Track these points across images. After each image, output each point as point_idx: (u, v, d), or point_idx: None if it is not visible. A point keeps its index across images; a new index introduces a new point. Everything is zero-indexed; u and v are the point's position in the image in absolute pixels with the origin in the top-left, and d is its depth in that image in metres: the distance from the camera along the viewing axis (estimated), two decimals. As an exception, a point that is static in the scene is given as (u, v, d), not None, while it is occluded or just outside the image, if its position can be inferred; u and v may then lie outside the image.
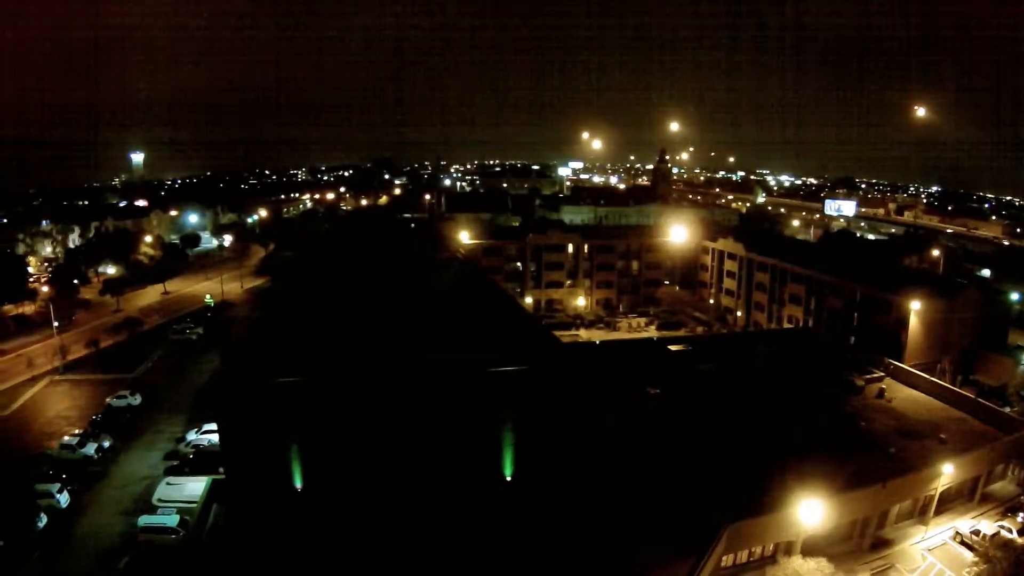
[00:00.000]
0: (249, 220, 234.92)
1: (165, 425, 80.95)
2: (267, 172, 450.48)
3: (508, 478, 54.13)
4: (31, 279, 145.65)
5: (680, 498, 52.21)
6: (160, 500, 62.22)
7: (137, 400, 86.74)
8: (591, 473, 55.12)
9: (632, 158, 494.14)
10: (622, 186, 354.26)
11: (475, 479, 53.03)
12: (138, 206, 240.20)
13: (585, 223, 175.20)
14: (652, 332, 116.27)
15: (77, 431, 76.94)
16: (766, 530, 50.56)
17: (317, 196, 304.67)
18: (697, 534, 47.05)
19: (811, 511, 48.54)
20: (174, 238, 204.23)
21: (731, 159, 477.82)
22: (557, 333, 77.37)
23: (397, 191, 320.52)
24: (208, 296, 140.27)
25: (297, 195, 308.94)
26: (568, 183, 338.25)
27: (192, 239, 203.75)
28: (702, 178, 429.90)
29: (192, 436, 74.99)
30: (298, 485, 52.91)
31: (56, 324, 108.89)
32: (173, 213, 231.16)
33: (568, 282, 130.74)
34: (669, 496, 52.48)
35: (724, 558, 49.28)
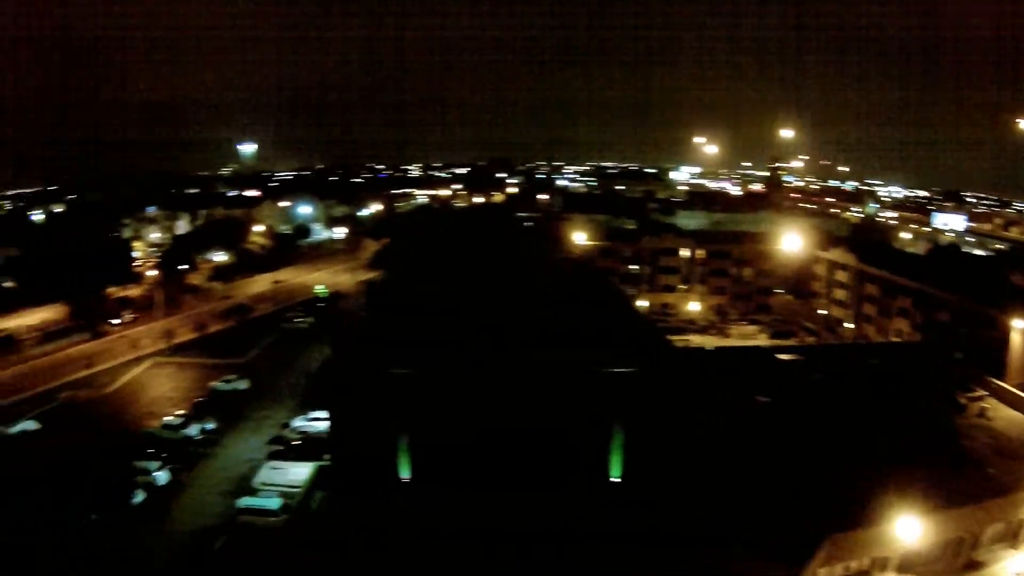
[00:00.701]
0: (362, 213, 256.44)
1: (271, 411, 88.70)
2: (380, 167, 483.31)
3: (613, 479, 59.36)
4: (137, 263, 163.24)
5: (782, 507, 56.50)
6: (262, 483, 67.54)
7: (244, 385, 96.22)
8: (695, 478, 59.06)
9: (746, 164, 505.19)
10: (736, 192, 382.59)
11: (580, 479, 58.02)
12: (249, 196, 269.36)
13: (699, 228, 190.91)
14: (763, 340, 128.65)
15: (180, 412, 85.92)
16: (865, 544, 54.47)
17: (431, 192, 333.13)
18: (797, 544, 51.44)
19: (910, 527, 52.01)
20: (286, 228, 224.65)
21: (842, 168, 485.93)
22: (669, 337, 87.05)
23: (512, 190, 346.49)
24: (320, 286, 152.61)
25: (411, 190, 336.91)
26: (683, 187, 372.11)
27: (304, 230, 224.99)
28: (814, 186, 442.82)
29: (299, 422, 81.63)
30: (404, 476, 59.27)
31: (162, 308, 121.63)
32: (285, 204, 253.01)
33: (681, 286, 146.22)
34: (771, 505, 56.81)
35: (821, 570, 52.78)
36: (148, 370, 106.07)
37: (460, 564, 49.60)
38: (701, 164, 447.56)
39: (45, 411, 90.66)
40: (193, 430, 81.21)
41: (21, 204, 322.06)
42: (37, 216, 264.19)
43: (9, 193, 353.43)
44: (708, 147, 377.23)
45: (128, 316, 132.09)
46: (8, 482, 71.02)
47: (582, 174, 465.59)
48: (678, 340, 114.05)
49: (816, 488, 59.21)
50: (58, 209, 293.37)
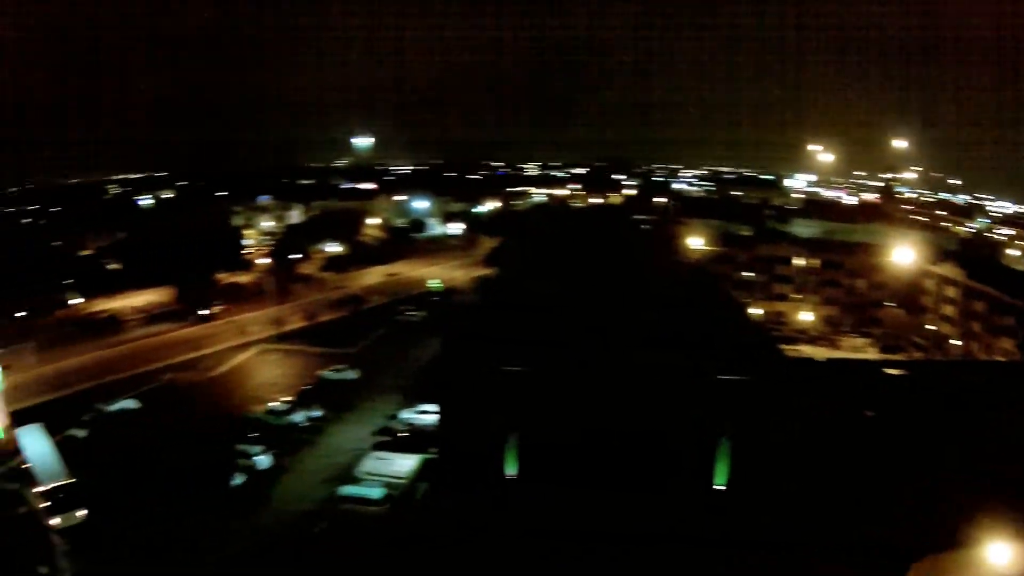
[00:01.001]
0: (478, 210, 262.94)
1: (379, 402, 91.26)
2: (498, 165, 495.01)
3: (718, 487, 60.79)
4: (248, 251, 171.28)
5: (880, 522, 58.23)
6: (366, 473, 70.25)
7: (353, 375, 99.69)
8: (798, 488, 60.54)
9: (860, 173, 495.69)
10: (850, 201, 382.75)
11: (685, 484, 60.22)
12: (365, 189, 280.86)
13: (813, 237, 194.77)
14: (872, 353, 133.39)
15: (286, 398, 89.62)
16: (957, 567, 55.54)
17: (548, 191, 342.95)
18: (892, 561, 53.65)
19: (1003, 553, 53.69)
20: (401, 222, 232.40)
21: (954, 181, 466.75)
22: (780, 346, 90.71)
23: (629, 192, 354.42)
24: (434, 281, 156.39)
25: (528, 189, 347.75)
26: (798, 195, 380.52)
27: (419, 224, 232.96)
28: (926, 199, 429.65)
29: (406, 414, 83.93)
30: (509, 473, 61.43)
31: (273, 295, 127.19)
32: (401, 198, 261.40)
33: (794, 296, 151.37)
34: (870, 519, 58.48)
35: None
36: (255, 356, 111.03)
37: (558, 563, 51.22)
38: (816, 172, 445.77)
39: (146, 391, 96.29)
40: (298, 417, 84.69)
41: (128, 189, 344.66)
42: (145, 201, 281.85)
43: (116, 177, 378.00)
44: (823, 154, 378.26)
45: (235, 303, 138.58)
46: (104, 458, 76.74)
47: (699, 178, 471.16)
48: (789, 349, 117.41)
49: (914, 505, 59.92)
50: (167, 195, 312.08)
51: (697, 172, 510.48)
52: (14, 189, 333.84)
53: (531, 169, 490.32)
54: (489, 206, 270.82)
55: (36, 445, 78.26)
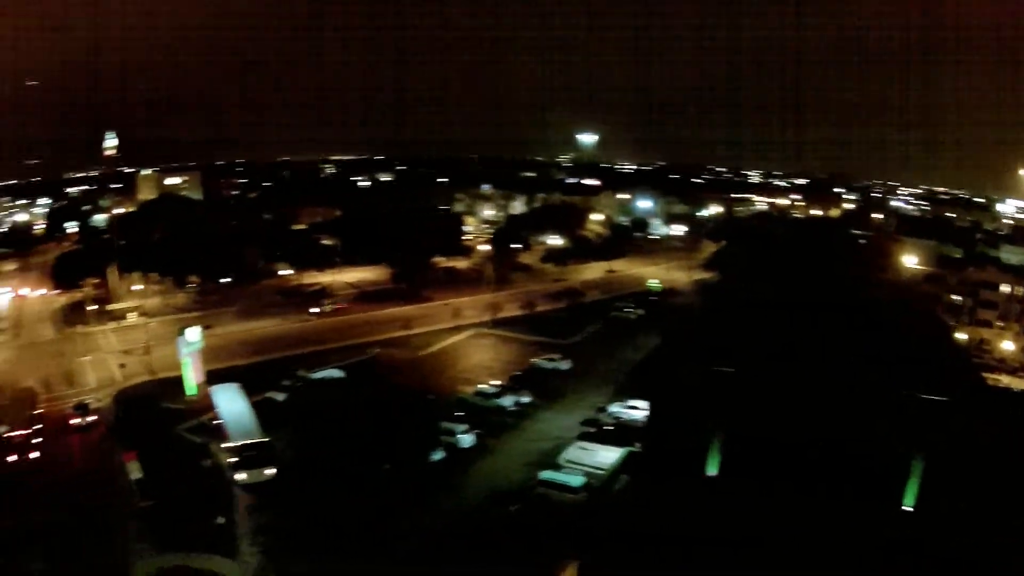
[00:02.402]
0: (700, 214, 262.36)
1: (589, 394, 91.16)
2: (721, 169, 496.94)
3: (906, 507, 61.14)
4: (467, 237, 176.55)
5: None
6: (568, 461, 70.37)
7: (566, 366, 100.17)
8: (986, 518, 58.92)
9: None
10: None
11: (874, 500, 60.30)
12: (589, 184, 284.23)
13: (1021, 264, 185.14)
14: None
15: (496, 382, 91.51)
16: None
17: (769, 200, 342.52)
18: None
19: None
20: (623, 220, 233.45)
21: None
22: (981, 373, 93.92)
23: (848, 205, 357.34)
24: (653, 280, 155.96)
25: (750, 196, 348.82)
26: (1008, 220, 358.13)
27: (641, 223, 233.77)
28: None
29: (615, 408, 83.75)
30: (710, 472, 63.49)
31: (491, 282, 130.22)
32: (624, 196, 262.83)
33: (998, 323, 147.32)
34: None
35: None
36: (468, 339, 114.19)
37: (745, 565, 51.60)
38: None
39: (353, 363, 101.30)
40: (507, 401, 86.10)
41: (342, 169, 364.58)
42: (362, 182, 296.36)
43: (332, 158, 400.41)
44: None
45: (451, 287, 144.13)
46: (301, 422, 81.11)
47: (915, 197, 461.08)
48: (989, 377, 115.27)
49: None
50: (385, 178, 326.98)
51: (914, 191, 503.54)
52: (220, 163, 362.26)
53: (754, 176, 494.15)
54: (712, 210, 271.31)
55: (231, 403, 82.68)
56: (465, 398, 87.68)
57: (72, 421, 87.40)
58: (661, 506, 59.26)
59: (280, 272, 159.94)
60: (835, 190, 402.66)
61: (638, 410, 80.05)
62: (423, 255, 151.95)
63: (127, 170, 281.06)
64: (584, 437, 77.34)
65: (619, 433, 77.39)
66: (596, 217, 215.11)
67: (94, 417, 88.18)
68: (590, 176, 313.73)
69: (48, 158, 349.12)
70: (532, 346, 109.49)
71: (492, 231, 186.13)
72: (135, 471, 72.42)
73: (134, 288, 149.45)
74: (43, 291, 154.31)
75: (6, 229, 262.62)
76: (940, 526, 57.31)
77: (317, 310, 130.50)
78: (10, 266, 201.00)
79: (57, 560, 60.51)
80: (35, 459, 78.17)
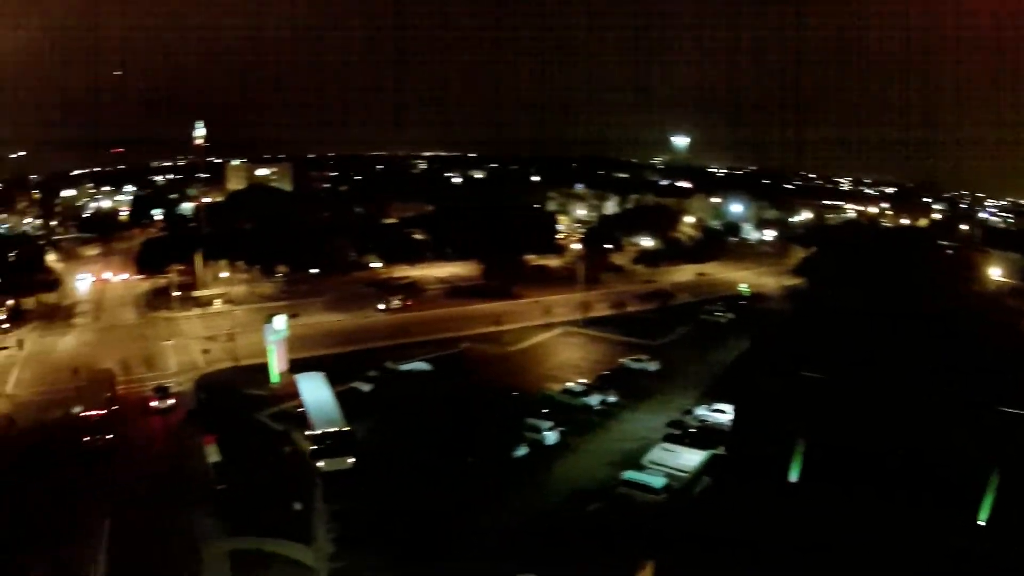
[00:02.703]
0: (792, 219, 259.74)
1: (675, 395, 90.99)
2: (812, 176, 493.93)
3: (981, 522, 60.05)
4: (559, 236, 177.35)
5: None
6: (651, 462, 70.63)
7: (654, 367, 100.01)
8: None
9: None
10: None
11: (947, 512, 59.88)
12: (681, 187, 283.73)
13: None
14: None
15: (583, 380, 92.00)
16: None
17: (859, 207, 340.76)
18: None
19: None
20: (715, 223, 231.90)
21: None
22: None
23: (936, 216, 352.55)
24: (743, 285, 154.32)
25: (840, 203, 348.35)
26: None
27: (733, 227, 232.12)
28: None
29: (700, 411, 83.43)
30: (792, 478, 63.70)
31: (582, 281, 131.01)
32: (716, 200, 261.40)
33: None
34: None
35: None
36: (558, 337, 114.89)
37: (819, 570, 51.62)
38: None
39: (441, 356, 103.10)
40: (593, 400, 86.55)
41: (434, 165, 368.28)
42: (455, 179, 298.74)
43: (425, 154, 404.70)
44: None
45: (542, 284, 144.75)
46: (386, 413, 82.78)
47: (1001, 209, 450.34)
48: None
49: None
50: (478, 175, 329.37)
51: (1000, 203, 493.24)
52: (311, 156, 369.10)
53: (844, 184, 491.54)
54: (803, 216, 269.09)
55: (315, 391, 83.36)
56: (552, 395, 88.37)
57: (151, 404, 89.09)
58: (741, 510, 59.17)
59: (370, 265, 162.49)
60: (923, 199, 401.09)
61: (724, 414, 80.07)
62: (515, 252, 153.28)
63: (215, 160, 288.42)
64: (669, 439, 77.27)
65: (704, 436, 77.10)
66: (688, 219, 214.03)
67: (173, 400, 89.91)
68: (682, 178, 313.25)
69: (134, 147, 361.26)
70: (621, 346, 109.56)
71: (584, 230, 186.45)
72: (213, 454, 74.00)
73: (220, 276, 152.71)
74: (126, 276, 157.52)
75: (90, 214, 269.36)
76: (1013, 542, 56.20)
77: (383, 306, 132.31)
78: (93, 251, 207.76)
79: (130, 538, 61.51)
80: (110, 439, 79.29)
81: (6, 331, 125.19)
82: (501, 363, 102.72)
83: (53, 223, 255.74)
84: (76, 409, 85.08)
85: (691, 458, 71.13)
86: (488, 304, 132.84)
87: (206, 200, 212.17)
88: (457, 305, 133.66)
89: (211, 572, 57.53)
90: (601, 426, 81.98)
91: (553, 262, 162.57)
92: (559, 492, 66.96)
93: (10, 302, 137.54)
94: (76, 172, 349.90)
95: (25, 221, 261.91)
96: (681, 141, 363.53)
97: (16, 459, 77.52)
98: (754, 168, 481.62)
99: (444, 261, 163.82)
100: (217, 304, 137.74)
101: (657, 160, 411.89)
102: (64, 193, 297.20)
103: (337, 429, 74.42)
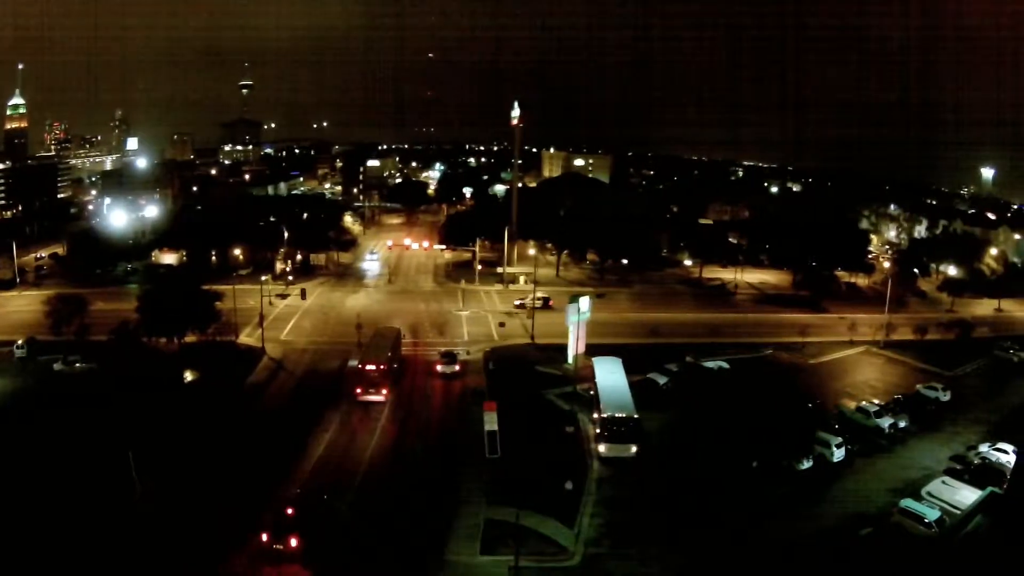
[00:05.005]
0: None
1: (963, 429, 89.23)
2: None
3: None
4: (869, 255, 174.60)
5: None
6: (928, 494, 69.36)
7: (946, 397, 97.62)
8: None
9: None
10: None
11: None
12: (988, 218, 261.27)
13: None
14: None
15: (877, 401, 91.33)
16: None
17: None
18: None
19: None
20: (1016, 259, 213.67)
21: None
22: None
23: None
24: None
25: None
26: None
27: None
28: None
29: (984, 448, 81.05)
30: None
31: (889, 303, 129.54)
32: (1020, 236, 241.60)
33: None
34: None
35: None
36: (859, 355, 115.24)
37: None
38: None
39: (743, 358, 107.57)
40: (885, 422, 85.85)
41: (752, 174, 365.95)
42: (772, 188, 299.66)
43: (745, 163, 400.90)
44: None
45: (849, 301, 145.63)
46: (679, 406, 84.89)
47: None
48: None
49: None
50: (794, 188, 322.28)
51: None
52: (630, 153, 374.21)
53: None
54: None
55: (610, 376, 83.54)
56: (845, 412, 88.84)
57: (436, 367, 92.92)
58: (1013, 553, 56.05)
59: (683, 262, 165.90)
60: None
61: (1006, 454, 76.95)
62: (828, 266, 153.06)
63: (532, 150, 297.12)
64: (949, 472, 76.06)
65: (983, 473, 74.96)
66: (993, 252, 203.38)
67: (457, 367, 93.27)
68: (988, 210, 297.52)
69: (451, 126, 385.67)
70: (916, 372, 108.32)
71: (894, 252, 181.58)
72: (491, 423, 73.24)
73: (528, 255, 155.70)
74: (428, 245, 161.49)
75: (395, 184, 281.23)
76: None
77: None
78: (396, 220, 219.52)
79: (392, 492, 63.62)
80: (385, 394, 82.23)
81: (291, 283, 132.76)
82: (800, 373, 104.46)
83: (355, 190, 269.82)
84: (352, 362, 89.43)
85: (968, 495, 68.72)
86: (796, 314, 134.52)
87: (519, 184, 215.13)
88: (765, 312, 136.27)
89: (462, 536, 58.35)
90: (888, 450, 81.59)
91: (862, 280, 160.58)
92: (835, 511, 66.95)
93: (298, 256, 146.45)
94: (383, 147, 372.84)
95: (325, 186, 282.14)
96: (987, 172, 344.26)
97: (285, 402, 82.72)
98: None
99: (756, 267, 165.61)
100: (521, 282, 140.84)
101: (964, 191, 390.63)
102: (369, 163, 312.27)
103: (626, 415, 73.88)
